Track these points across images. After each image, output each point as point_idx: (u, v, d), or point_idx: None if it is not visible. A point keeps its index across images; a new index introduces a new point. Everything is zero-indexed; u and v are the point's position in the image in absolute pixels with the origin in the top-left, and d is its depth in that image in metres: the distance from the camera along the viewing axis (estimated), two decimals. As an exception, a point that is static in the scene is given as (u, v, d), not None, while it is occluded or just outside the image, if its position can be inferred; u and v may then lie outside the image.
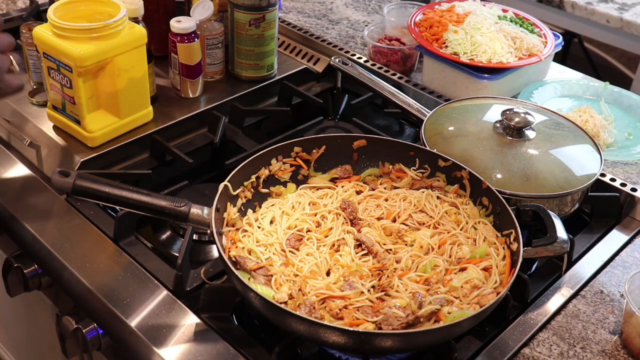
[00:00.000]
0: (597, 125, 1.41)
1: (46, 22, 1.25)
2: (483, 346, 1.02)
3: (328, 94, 1.63)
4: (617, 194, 1.30)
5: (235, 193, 1.11)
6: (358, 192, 1.19)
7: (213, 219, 1.02)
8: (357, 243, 1.08)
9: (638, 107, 1.54)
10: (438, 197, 1.16)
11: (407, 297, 0.97)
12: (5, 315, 1.68)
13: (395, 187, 1.20)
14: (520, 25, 1.60)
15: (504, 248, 1.06)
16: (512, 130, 1.24)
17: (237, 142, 1.43)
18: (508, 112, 1.24)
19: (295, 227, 1.10)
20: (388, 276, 1.02)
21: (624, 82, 2.25)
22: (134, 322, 1.02)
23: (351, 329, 0.90)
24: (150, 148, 1.38)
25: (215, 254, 1.18)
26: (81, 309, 1.10)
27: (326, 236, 1.09)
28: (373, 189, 1.20)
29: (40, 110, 1.41)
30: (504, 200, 1.09)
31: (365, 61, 1.65)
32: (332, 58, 1.54)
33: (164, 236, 1.23)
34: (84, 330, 1.07)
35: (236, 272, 0.95)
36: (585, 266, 1.17)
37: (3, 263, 1.22)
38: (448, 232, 1.10)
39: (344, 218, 1.13)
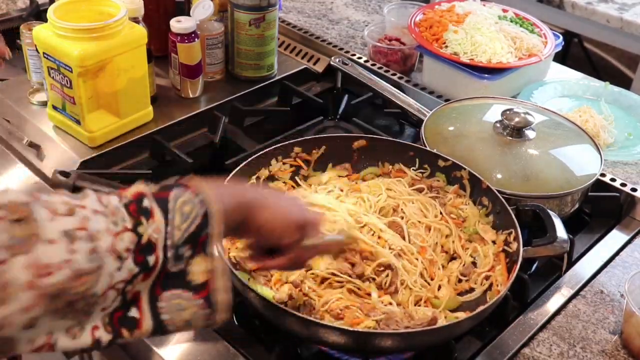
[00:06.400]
0: (597, 125, 1.41)
1: (46, 22, 1.25)
2: (483, 346, 1.02)
3: (328, 94, 1.63)
4: (617, 194, 1.30)
5: (235, 193, 1.11)
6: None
7: (213, 219, 1.02)
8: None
9: (638, 107, 1.53)
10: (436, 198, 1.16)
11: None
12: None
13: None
14: (520, 25, 1.60)
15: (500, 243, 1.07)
16: (512, 130, 1.24)
17: (237, 142, 1.43)
18: (508, 112, 1.24)
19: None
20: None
21: (624, 82, 2.24)
22: (134, 322, 1.01)
23: (351, 328, 0.90)
24: (150, 148, 1.38)
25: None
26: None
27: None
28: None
29: (40, 110, 1.40)
30: (504, 200, 1.09)
31: (365, 61, 1.65)
32: (332, 58, 1.54)
33: (164, 236, 1.22)
34: (84, 330, 1.07)
35: (236, 272, 0.95)
36: (585, 266, 1.17)
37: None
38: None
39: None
